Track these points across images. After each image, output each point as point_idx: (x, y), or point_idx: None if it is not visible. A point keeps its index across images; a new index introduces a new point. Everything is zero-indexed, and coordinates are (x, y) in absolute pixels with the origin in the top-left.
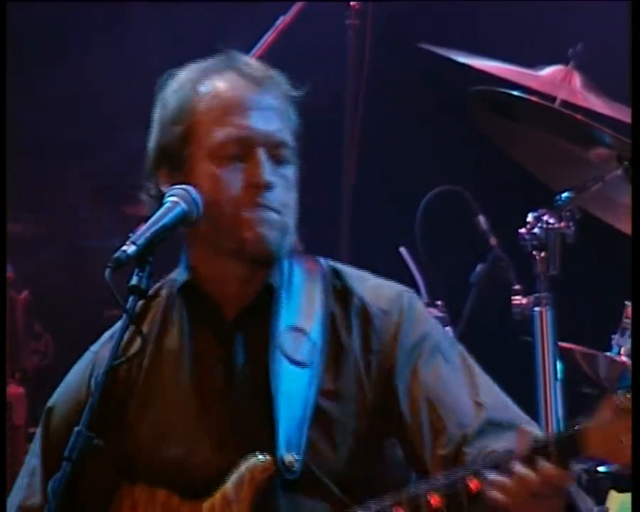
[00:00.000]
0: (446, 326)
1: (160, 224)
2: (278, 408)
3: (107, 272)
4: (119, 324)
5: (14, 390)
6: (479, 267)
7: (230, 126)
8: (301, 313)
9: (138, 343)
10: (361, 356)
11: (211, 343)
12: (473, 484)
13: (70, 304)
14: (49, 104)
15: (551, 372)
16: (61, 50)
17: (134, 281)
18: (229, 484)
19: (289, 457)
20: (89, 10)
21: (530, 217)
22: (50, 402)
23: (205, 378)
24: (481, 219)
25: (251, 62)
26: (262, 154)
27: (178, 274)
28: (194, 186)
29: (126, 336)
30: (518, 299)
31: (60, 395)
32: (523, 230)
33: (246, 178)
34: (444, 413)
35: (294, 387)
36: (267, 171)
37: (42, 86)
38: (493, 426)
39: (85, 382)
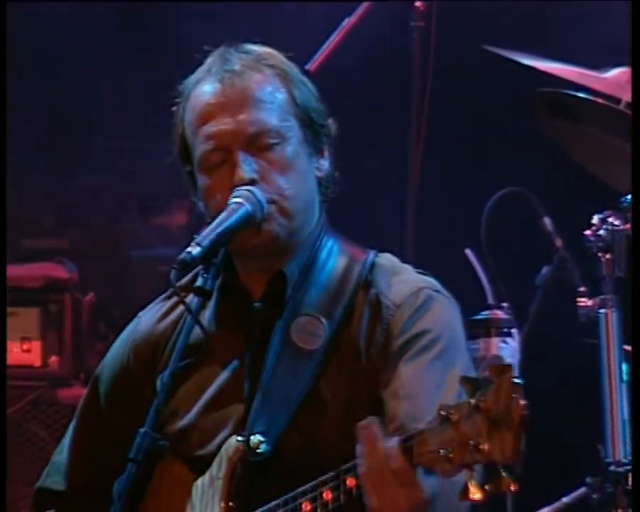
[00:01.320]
0: (512, 327)
1: (225, 226)
2: (263, 392)
3: (172, 273)
4: (166, 295)
5: (78, 391)
6: (545, 269)
7: (205, 139)
8: (323, 302)
9: (198, 338)
10: (365, 347)
11: (236, 323)
12: (349, 482)
13: (129, 308)
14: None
15: (616, 374)
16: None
17: (199, 282)
18: (214, 461)
19: (254, 439)
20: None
21: (595, 219)
22: (98, 369)
23: (226, 355)
24: (547, 221)
25: (233, 56)
26: (238, 154)
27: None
28: (197, 199)
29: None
30: (584, 301)
31: (106, 360)
32: (588, 232)
33: (229, 182)
34: (403, 403)
35: (294, 372)
36: (244, 169)
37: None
38: None
39: (125, 345)
